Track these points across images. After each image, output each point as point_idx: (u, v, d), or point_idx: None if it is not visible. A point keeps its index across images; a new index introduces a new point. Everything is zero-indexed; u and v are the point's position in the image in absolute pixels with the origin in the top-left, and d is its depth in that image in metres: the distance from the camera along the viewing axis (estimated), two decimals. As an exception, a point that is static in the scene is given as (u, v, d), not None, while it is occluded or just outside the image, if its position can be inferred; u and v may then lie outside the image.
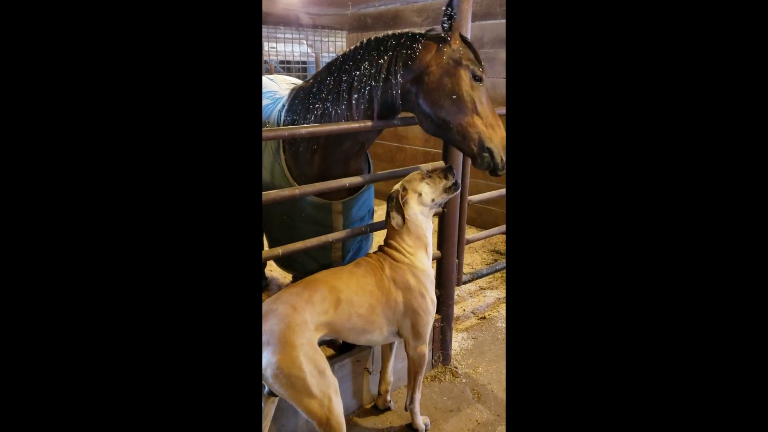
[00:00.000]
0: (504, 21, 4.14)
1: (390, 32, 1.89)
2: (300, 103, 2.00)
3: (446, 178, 1.89)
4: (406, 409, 2.09)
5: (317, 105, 1.92)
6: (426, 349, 1.95)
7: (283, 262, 2.22)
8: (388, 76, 1.80)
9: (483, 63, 1.85)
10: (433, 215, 2.01)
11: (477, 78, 1.79)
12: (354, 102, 1.85)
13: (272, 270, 3.61)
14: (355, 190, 2.11)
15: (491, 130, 1.78)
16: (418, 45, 1.81)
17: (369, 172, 2.21)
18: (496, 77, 4.25)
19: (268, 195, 1.73)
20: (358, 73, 1.83)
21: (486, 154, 1.78)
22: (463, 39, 1.84)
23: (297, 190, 1.81)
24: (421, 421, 2.09)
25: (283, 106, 2.11)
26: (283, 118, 2.07)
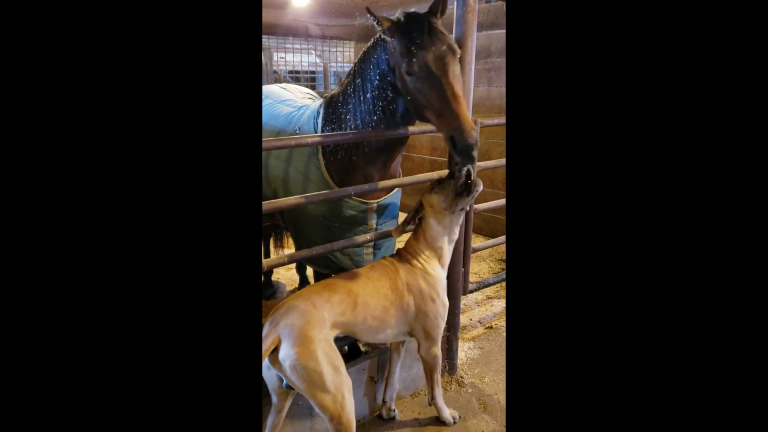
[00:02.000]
0: (511, 31, 4.16)
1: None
2: (333, 111, 2.09)
3: (453, 177, 1.86)
4: (429, 405, 2.15)
5: (349, 108, 1.99)
6: (438, 350, 2.01)
7: (318, 261, 2.29)
8: (381, 84, 1.85)
9: (425, 39, 1.65)
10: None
11: (410, 73, 1.68)
12: (371, 104, 1.89)
13: (279, 277, 3.62)
14: (390, 189, 2.21)
15: (449, 121, 1.65)
16: (380, 48, 1.83)
17: (398, 176, 2.28)
18: (503, 86, 4.26)
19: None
20: (369, 75, 1.89)
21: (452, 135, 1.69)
22: (395, 23, 1.72)
23: (303, 199, 1.85)
24: (448, 413, 2.15)
25: (318, 113, 2.19)
26: (320, 126, 2.16)
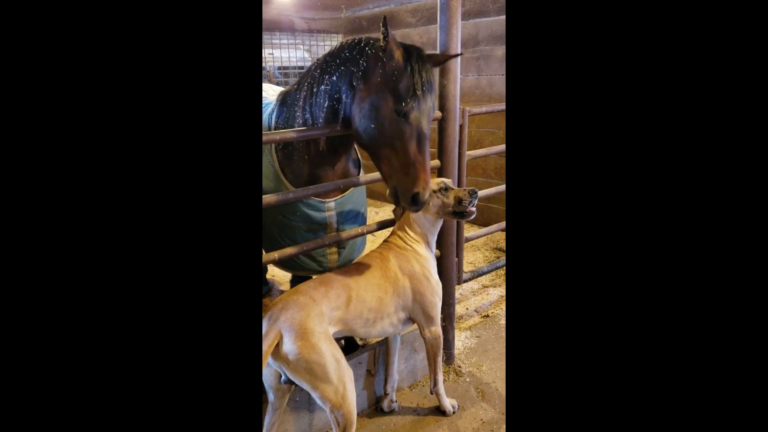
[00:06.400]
0: (498, 18, 4.14)
1: (349, 40, 1.84)
2: (288, 109, 2.05)
3: (459, 204, 1.91)
4: (431, 393, 2.17)
5: (302, 107, 1.94)
6: (440, 330, 2.06)
7: (283, 262, 2.25)
8: (339, 93, 1.79)
9: (426, 87, 1.62)
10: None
11: (399, 112, 1.61)
12: (318, 110, 1.86)
13: (274, 275, 3.61)
14: (345, 189, 2.16)
15: (401, 175, 1.64)
16: (364, 60, 1.72)
17: (359, 172, 2.23)
18: (492, 74, 4.25)
19: (266, 198, 1.76)
20: (323, 87, 1.83)
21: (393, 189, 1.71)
22: (407, 51, 1.65)
23: (292, 193, 1.84)
24: (447, 403, 2.17)
25: (273, 110, 2.16)
26: (274, 122, 2.11)
